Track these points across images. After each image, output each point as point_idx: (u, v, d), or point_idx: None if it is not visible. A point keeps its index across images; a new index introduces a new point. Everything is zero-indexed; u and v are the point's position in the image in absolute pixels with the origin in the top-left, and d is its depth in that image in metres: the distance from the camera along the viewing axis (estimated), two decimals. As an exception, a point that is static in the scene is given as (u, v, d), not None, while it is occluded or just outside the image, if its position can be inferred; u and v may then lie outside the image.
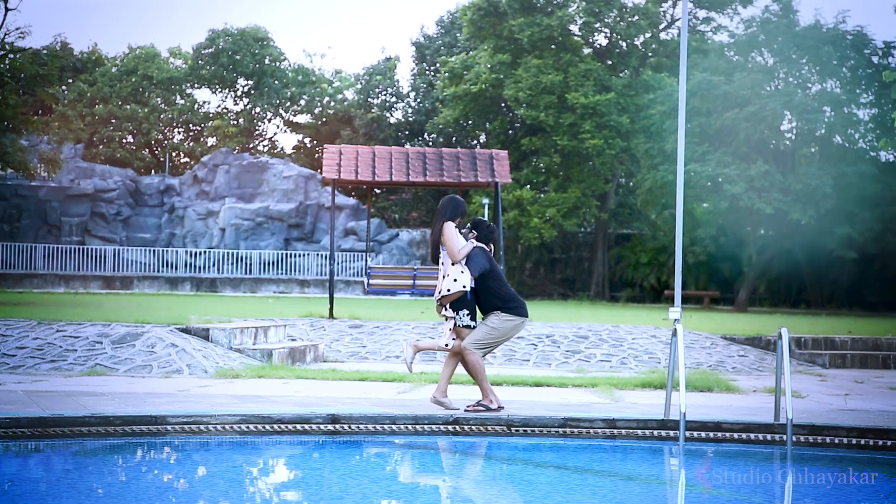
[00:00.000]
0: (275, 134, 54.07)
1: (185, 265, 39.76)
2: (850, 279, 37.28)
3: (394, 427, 9.43)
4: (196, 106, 52.05)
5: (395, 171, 21.05)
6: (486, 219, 10.30)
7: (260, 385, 12.19)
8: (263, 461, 8.76)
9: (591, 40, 42.72)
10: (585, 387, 12.78)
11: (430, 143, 47.82)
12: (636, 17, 40.68)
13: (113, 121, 49.78)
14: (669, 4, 41.95)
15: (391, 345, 17.32)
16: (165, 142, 51.95)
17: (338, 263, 38.92)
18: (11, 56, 26.29)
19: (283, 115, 52.36)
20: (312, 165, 48.27)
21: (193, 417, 9.18)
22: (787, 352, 9.00)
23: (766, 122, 33.72)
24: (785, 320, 25.19)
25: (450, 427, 9.48)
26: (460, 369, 10.37)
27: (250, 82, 51.74)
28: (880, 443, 9.20)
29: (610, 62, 42.33)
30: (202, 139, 51.97)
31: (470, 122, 45.22)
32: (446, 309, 10.01)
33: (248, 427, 9.17)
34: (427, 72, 50.34)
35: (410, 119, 49.73)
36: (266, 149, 52.58)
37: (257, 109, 51.80)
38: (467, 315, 9.98)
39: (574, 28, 41.47)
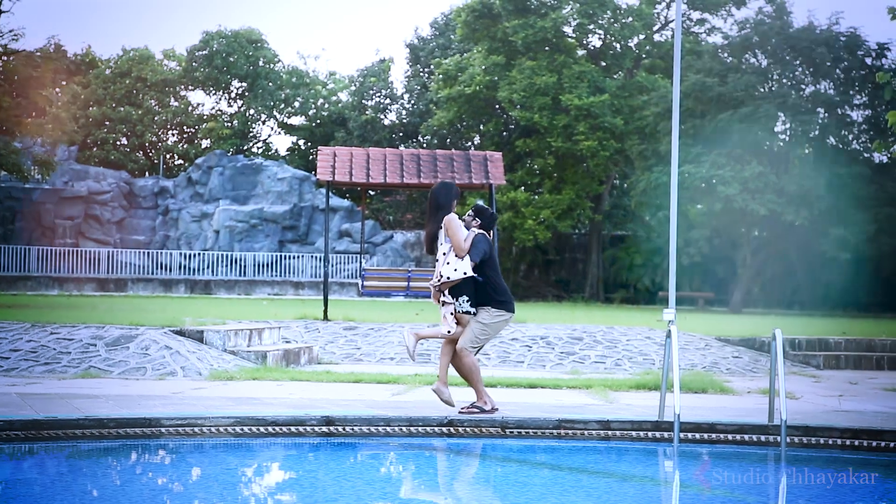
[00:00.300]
0: (269, 136, 54.03)
1: (180, 267, 39.73)
2: (844, 280, 37.32)
3: (388, 429, 9.43)
4: (190, 108, 52.00)
5: (390, 173, 21.06)
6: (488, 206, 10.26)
7: (254, 387, 12.18)
8: (258, 463, 8.75)
9: (585, 42, 42.75)
10: (580, 388, 12.78)
11: (425, 145, 47.80)
12: (630, 19, 40.70)
13: (107, 123, 49.71)
14: (663, 6, 41.99)
15: (385, 347, 17.31)
16: (159, 144, 51.88)
17: (332, 265, 38.90)
18: (5, 58, 26.26)
19: (278, 116, 52.30)
20: (307, 167, 48.21)
21: (188, 420, 9.17)
22: (781, 353, 9.01)
23: (760, 124, 33.78)
24: (779, 321, 25.21)
25: (444, 429, 9.48)
26: (453, 371, 10.35)
27: (244, 84, 51.70)
28: (874, 444, 9.21)
29: (604, 64, 42.35)
30: (196, 141, 51.91)
31: (464, 123, 45.21)
32: (445, 295, 9.99)
33: (242, 429, 9.16)
34: (421, 73, 50.34)
35: (404, 121, 49.72)
36: (260, 151, 52.52)
37: (251, 111, 51.74)
38: (467, 301, 9.92)
39: (568, 29, 41.47)
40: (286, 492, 7.75)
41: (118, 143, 50.31)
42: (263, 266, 39.69)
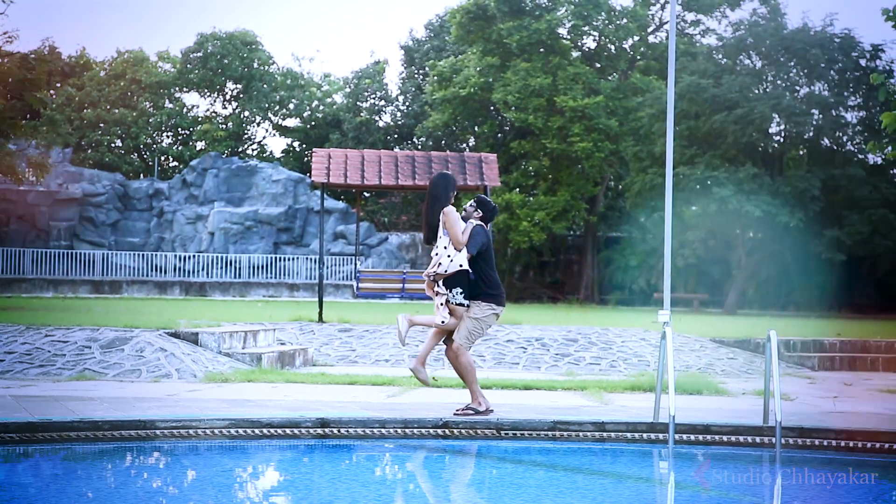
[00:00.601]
0: (264, 138, 54.00)
1: (174, 269, 39.69)
2: (838, 282, 37.38)
3: (383, 431, 9.43)
4: (185, 110, 51.94)
5: (385, 175, 21.06)
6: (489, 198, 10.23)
7: (249, 389, 12.17)
8: (253, 465, 8.75)
9: (579, 43, 42.78)
10: (575, 390, 12.79)
11: (420, 147, 47.81)
12: (624, 21, 40.74)
13: (101, 125, 49.64)
14: (658, 7, 42.05)
15: (380, 348, 17.30)
16: (154, 146, 51.84)
17: (327, 267, 38.88)
18: (-1, 60, 26.20)
19: (272, 118, 52.28)
20: (301, 169, 48.20)
21: (182, 422, 9.16)
22: (776, 354, 9.01)
23: (755, 125, 33.83)
24: (774, 323, 25.24)
25: (439, 430, 9.48)
26: (450, 372, 10.34)
27: (239, 86, 51.67)
28: (869, 445, 9.21)
29: (598, 65, 42.39)
30: (191, 143, 51.85)
31: (459, 125, 45.23)
32: (438, 285, 9.99)
33: (237, 431, 9.16)
34: (416, 75, 50.34)
35: (399, 123, 49.72)
36: (255, 153, 52.49)
37: (246, 113, 51.70)
38: (461, 293, 9.93)
39: (563, 31, 41.50)
40: (281, 494, 7.75)
41: (113, 145, 50.26)
42: (258, 268, 39.66)
